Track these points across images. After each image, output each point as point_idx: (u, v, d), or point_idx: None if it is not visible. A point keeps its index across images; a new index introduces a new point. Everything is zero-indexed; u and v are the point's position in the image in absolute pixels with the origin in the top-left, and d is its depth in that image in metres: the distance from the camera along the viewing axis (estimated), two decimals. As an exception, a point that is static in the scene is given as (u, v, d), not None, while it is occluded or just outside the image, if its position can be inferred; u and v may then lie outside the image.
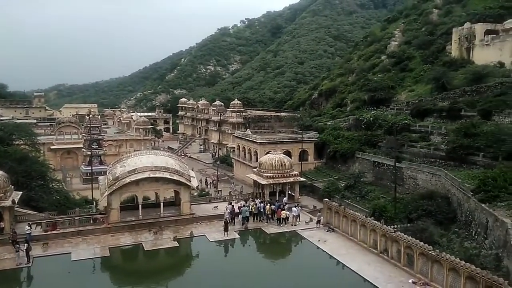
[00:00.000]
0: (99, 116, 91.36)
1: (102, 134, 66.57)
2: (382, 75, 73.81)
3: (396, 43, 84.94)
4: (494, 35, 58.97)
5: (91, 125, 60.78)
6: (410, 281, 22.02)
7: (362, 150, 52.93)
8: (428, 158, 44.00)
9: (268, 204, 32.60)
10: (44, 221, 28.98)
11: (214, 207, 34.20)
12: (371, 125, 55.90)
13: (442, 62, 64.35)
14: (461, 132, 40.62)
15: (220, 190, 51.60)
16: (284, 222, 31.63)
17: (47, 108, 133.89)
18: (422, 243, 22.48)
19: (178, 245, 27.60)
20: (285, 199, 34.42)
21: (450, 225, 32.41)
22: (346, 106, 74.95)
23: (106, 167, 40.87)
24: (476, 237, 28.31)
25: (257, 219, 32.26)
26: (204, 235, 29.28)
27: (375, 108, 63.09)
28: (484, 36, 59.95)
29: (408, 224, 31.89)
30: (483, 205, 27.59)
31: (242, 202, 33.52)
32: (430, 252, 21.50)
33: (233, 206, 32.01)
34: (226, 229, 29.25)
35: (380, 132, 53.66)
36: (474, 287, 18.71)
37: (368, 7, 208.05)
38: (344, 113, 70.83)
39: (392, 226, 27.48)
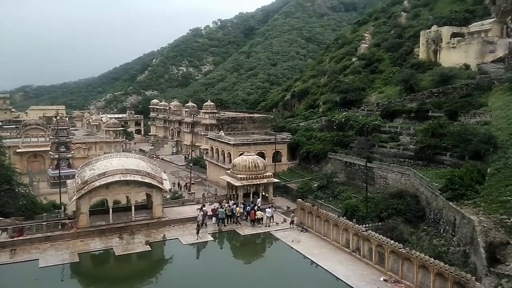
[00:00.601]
0: (67, 118, 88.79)
1: (70, 136, 64.83)
2: (353, 76, 74.99)
3: (366, 45, 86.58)
4: (460, 38, 60.94)
5: (59, 127, 59.04)
6: (382, 278, 22.42)
7: (334, 151, 53.57)
8: (397, 158, 44.98)
9: (241, 206, 32.52)
10: (10, 227, 27.94)
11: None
12: (343, 126, 56.70)
13: (410, 64, 65.95)
14: (429, 132, 41.72)
15: (194, 193, 51.15)
16: (258, 223, 31.63)
17: (12, 110, 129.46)
18: (392, 242, 22.94)
19: (150, 249, 27.16)
20: (259, 200, 34.45)
21: (419, 223, 33.19)
22: (319, 107, 75.74)
23: (75, 170, 39.78)
24: (444, 234, 29.09)
25: (231, 221, 32.14)
26: (177, 238, 28.92)
27: (346, 109, 64.02)
28: (451, 39, 61.85)
29: (379, 223, 32.44)
30: (450, 203, 28.37)
31: (216, 204, 33.31)
32: (400, 250, 21.97)
33: (201, 208, 31.66)
34: (198, 232, 29.04)
35: (351, 132, 54.48)
36: (443, 283, 19.24)
37: (339, 10, 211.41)
38: (317, 114, 71.56)
39: (363, 225, 27.92)
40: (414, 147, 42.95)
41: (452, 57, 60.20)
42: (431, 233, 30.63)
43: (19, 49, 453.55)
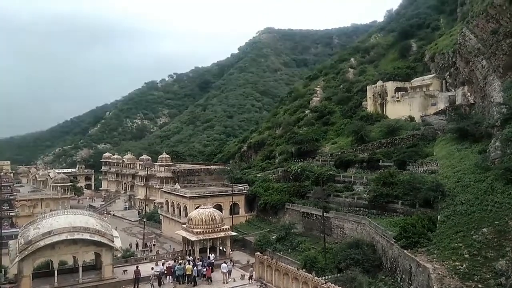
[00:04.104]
0: (12, 174, 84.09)
1: (14, 193, 61.12)
2: (307, 128, 77.37)
3: (318, 98, 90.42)
4: (404, 92, 65.21)
5: (2, 184, 55.50)
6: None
7: (291, 201, 53.77)
8: (353, 207, 45.74)
9: (199, 262, 31.15)
10: None
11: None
12: (299, 176, 57.44)
13: (360, 116, 69.25)
14: (380, 181, 43.08)
15: (147, 250, 48.83)
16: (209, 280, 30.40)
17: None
18: (352, 293, 22.66)
19: (99, 314, 25.13)
20: (212, 256, 33.14)
21: (377, 273, 33.30)
22: (275, 158, 76.77)
23: (18, 230, 37.01)
24: (401, 283, 29.26)
25: (186, 279, 30.60)
26: (128, 300, 27.05)
27: (302, 159, 65.26)
28: (395, 93, 66.03)
29: (338, 274, 32.25)
30: (405, 251, 28.83)
31: (171, 262, 31.77)
32: (360, 302, 21.69)
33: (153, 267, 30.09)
34: (160, 284, 28.15)
35: (307, 183, 55.19)
36: (404, 335, 18.98)
37: (291, 66, 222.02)
38: (273, 165, 72.33)
39: (323, 277, 27.54)
40: (368, 196, 43.98)
41: (398, 109, 63.93)
42: (388, 283, 30.71)
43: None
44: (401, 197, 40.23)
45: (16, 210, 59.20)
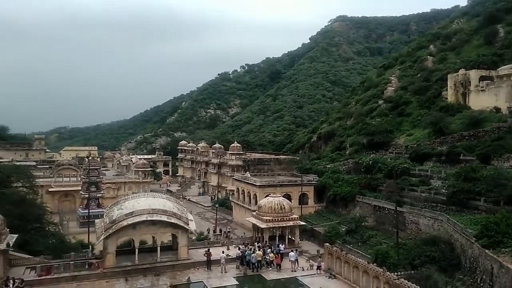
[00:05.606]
0: (99, 159, 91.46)
1: (101, 176, 66.37)
2: (380, 119, 74.76)
3: (393, 88, 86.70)
4: (489, 81, 60.30)
5: (90, 168, 60.71)
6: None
7: (362, 194, 52.56)
8: (429, 203, 43.61)
9: (259, 249, 31.73)
10: (39, 265, 28.20)
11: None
12: (371, 168, 55.88)
13: (439, 107, 65.40)
14: (461, 176, 40.56)
15: (219, 234, 50.69)
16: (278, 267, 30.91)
17: (47, 150, 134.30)
18: (426, 291, 21.83)
19: (175, 291, 26.74)
20: (283, 246, 33.53)
21: (454, 272, 31.65)
22: (345, 150, 75.32)
23: (104, 210, 40.36)
24: (481, 284, 27.56)
25: (256, 265, 31.43)
26: (202, 281, 28.39)
27: (374, 151, 63.35)
28: (479, 82, 61.29)
29: (412, 271, 31.09)
30: (487, 251, 27.07)
31: (242, 247, 32.79)
32: (435, 300, 20.84)
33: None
34: (242, 263, 30.22)
35: (380, 175, 53.55)
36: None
37: (364, 55, 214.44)
38: (343, 157, 71.05)
39: (395, 273, 26.74)
40: (446, 191, 41.66)
41: (482, 100, 59.41)
42: (467, 283, 29.12)
43: (55, 91, 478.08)
44: (483, 193, 37.60)
45: (102, 192, 64.39)
